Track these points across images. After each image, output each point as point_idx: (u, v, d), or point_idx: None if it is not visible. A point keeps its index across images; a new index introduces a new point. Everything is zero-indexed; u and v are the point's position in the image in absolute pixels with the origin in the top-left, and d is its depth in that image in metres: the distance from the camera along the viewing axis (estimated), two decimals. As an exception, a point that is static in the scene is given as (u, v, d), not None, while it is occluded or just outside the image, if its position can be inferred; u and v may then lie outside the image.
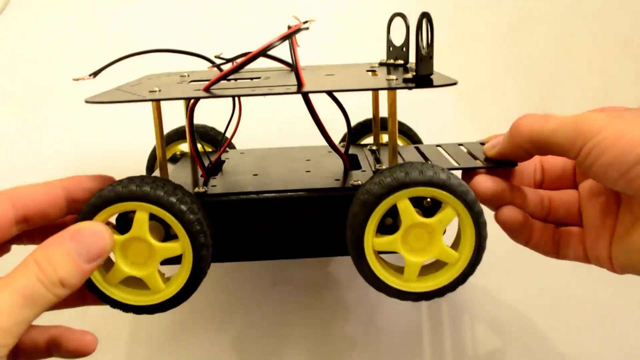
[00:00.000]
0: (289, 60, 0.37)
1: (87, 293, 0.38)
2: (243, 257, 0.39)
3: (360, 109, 0.50)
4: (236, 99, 0.44)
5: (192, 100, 0.41)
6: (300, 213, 0.38)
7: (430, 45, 0.36)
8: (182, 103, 0.45)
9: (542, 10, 0.59)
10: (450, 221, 0.35)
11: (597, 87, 0.59)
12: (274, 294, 0.59)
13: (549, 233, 0.41)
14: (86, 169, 0.43)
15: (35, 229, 0.37)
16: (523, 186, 0.41)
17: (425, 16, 0.36)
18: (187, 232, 0.34)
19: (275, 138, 0.58)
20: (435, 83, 0.36)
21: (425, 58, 0.37)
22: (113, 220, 0.36)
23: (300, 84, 0.36)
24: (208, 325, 0.59)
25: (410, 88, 0.36)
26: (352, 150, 0.48)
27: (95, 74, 0.40)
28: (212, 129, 0.52)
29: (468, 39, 0.59)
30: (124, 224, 0.35)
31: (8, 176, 0.56)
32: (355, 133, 0.52)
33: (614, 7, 0.59)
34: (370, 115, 0.51)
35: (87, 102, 0.35)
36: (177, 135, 0.52)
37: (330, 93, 0.41)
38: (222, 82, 0.38)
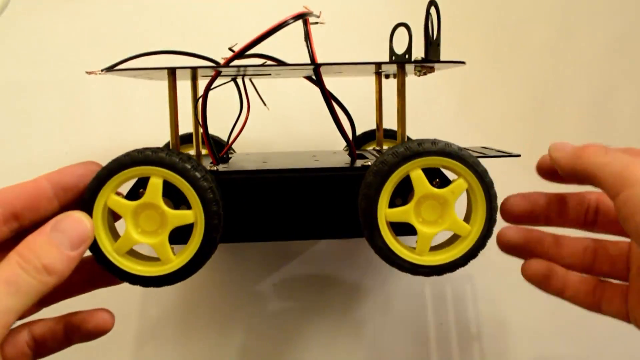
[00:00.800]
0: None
1: (96, 276, 0.37)
2: (253, 237, 0.39)
3: (361, 119, 0.51)
4: (244, 99, 0.45)
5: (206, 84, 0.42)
6: (312, 193, 0.38)
7: (437, 32, 0.38)
8: (189, 108, 0.46)
9: (540, 10, 0.60)
10: (462, 192, 0.35)
11: (596, 87, 0.60)
12: (275, 295, 0.58)
13: (588, 286, 0.38)
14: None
15: (31, 229, 0.35)
16: (562, 236, 0.40)
17: (433, 4, 0.38)
18: (201, 199, 0.34)
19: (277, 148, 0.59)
20: (442, 70, 0.37)
21: (434, 44, 0.38)
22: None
23: (313, 60, 0.37)
24: (212, 326, 0.58)
25: (419, 62, 0.37)
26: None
27: (107, 69, 0.41)
28: (216, 136, 0.53)
29: (466, 39, 0.60)
30: (134, 199, 0.35)
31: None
32: (358, 141, 0.53)
33: (612, 6, 0.60)
34: (368, 128, 0.53)
35: (105, 70, 0.36)
36: (181, 140, 0.52)
37: (334, 97, 0.42)
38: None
